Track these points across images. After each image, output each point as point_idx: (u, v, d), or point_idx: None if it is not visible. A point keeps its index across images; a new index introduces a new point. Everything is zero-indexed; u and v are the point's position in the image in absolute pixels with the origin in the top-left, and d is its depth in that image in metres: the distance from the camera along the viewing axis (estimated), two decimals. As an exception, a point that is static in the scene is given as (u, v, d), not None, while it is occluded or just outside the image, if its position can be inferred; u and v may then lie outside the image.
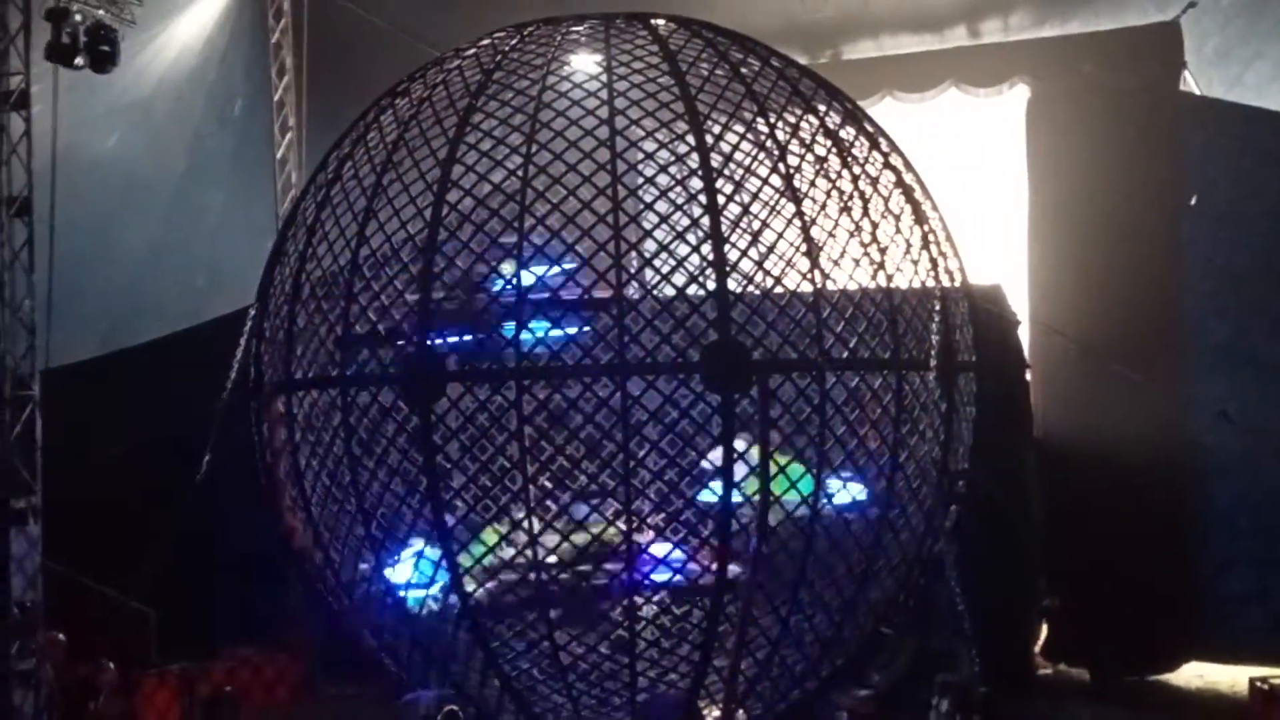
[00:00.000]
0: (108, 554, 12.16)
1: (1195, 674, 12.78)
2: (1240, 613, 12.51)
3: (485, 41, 9.44)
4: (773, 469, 8.27)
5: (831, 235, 8.65)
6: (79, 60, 11.47)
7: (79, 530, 11.91)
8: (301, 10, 17.04)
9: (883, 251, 8.80)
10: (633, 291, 9.00)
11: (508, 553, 8.65)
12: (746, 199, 8.67)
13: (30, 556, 10.87)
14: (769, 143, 8.84)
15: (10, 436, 11.06)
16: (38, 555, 10.93)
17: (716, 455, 8.26)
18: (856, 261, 8.73)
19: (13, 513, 10.81)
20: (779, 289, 8.50)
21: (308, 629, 12.25)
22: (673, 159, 8.98)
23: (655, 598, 8.85)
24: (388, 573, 8.88)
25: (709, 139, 8.62)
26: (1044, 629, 12.78)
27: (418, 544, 8.65)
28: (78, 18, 11.61)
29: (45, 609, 10.95)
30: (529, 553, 8.36)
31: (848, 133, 9.18)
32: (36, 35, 11.50)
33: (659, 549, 8.75)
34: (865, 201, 8.86)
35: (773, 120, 8.91)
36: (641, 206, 8.87)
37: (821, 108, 9.20)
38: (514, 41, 9.26)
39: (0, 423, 11.05)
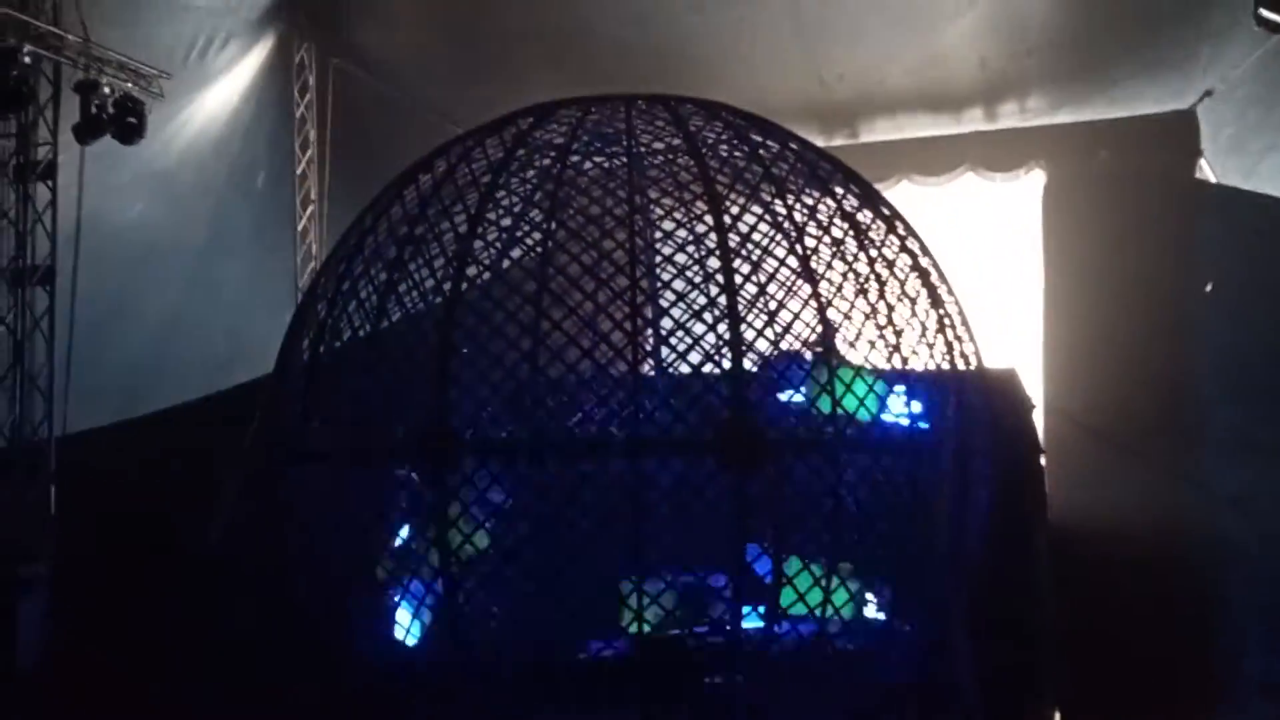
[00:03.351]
0: (121, 623, 12.10)
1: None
2: (1254, 700, 12.38)
3: (508, 120, 9.54)
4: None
5: (847, 317, 8.69)
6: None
7: (94, 599, 11.87)
8: (326, 86, 17.29)
9: (898, 334, 8.82)
10: (648, 369, 9.03)
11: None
12: (763, 279, 8.71)
13: (39, 625, 10.88)
14: (786, 224, 8.89)
15: (25, 503, 11.14)
16: (48, 624, 10.94)
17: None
18: (872, 344, 8.76)
19: (21, 582, 10.84)
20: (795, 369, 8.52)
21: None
22: (691, 238, 9.05)
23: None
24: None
25: (727, 219, 8.70)
26: (1057, 714, 12.65)
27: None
28: (106, 90, 11.84)
29: (54, 679, 10.94)
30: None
31: (865, 215, 9.22)
32: (64, 105, 11.75)
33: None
34: (881, 284, 8.90)
35: (790, 201, 8.98)
36: (659, 284, 8.93)
37: (839, 190, 9.26)
38: (537, 120, 9.37)
39: (13, 490, 11.13)
